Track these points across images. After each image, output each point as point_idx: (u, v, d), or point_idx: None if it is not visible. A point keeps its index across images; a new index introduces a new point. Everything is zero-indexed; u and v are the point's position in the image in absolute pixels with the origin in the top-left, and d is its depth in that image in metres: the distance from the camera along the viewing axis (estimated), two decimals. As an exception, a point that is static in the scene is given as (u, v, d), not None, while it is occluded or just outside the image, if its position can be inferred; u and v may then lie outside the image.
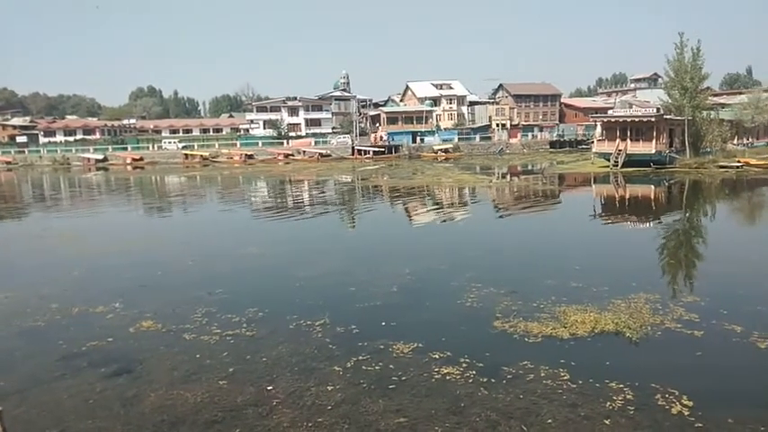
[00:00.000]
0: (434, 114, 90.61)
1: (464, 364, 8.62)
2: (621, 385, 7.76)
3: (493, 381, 8.07)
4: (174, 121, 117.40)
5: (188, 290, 13.46)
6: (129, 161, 77.67)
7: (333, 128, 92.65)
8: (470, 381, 8.11)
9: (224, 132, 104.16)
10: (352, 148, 77.99)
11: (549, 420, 6.94)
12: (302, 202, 34.79)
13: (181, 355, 9.50)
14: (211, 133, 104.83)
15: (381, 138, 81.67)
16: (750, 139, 59.09)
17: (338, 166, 65.96)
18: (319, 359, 9.12)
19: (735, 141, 55.76)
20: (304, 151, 78.37)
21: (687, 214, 25.86)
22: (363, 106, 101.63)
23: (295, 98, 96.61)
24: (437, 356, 8.95)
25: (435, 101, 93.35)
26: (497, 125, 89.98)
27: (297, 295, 12.91)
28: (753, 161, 44.89)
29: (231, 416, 7.40)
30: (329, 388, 8.06)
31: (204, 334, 10.38)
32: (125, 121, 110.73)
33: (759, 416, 6.92)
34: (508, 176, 49.26)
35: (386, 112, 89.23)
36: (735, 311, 10.72)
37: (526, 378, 8.13)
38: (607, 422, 6.86)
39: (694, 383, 7.88)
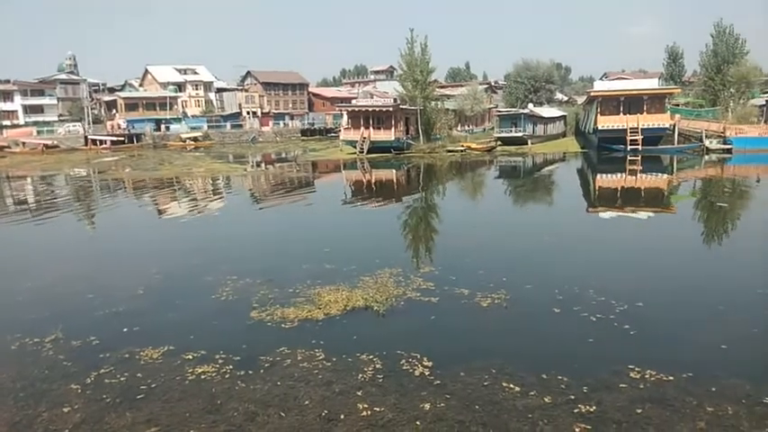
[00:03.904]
0: (180, 101, 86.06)
1: (220, 361, 8.33)
2: (371, 356, 8.26)
3: (250, 372, 7.95)
4: None
5: None
6: None
7: (59, 115, 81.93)
8: (227, 376, 7.88)
9: None
10: (86, 137, 70.00)
11: (307, 402, 7.09)
12: (25, 202, 30.04)
13: None
14: None
15: (120, 126, 74.86)
16: (470, 126, 68.03)
17: (69, 158, 58.57)
18: (51, 380, 7.98)
19: (459, 128, 63.72)
20: (23, 143, 67.83)
21: (423, 194, 28.73)
22: (96, 91, 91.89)
23: (8, 81, 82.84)
24: (190, 357, 8.50)
25: (180, 86, 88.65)
26: (248, 113, 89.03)
27: (20, 310, 11.10)
28: (473, 145, 51.86)
29: (-69, 467, 6.06)
30: (65, 410, 7.10)
31: None
32: None
33: (484, 365, 7.94)
34: (262, 165, 49.19)
35: (123, 98, 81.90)
36: (462, 277, 12.17)
37: (283, 364, 8.18)
38: (359, 393, 7.25)
39: (433, 345, 8.76)
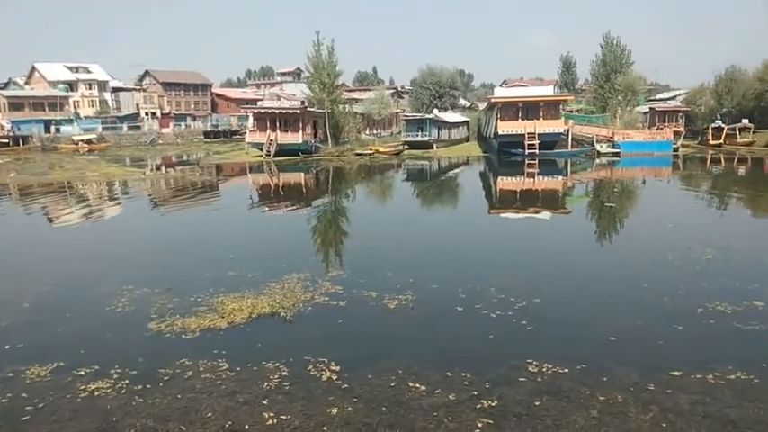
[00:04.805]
0: (71, 100, 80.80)
1: (115, 376, 7.86)
2: (278, 364, 8.11)
3: (149, 386, 7.56)
4: None
5: None
6: None
7: (-71, 115, 74.41)
8: (123, 392, 7.44)
9: None
10: (-38, 139, 64.06)
11: (209, 414, 6.83)
12: None
13: None
14: None
15: (3, 127, 69.11)
16: (378, 130, 68.72)
17: (-58, 162, 53.35)
18: None
19: (367, 132, 64.18)
20: None
21: (333, 198, 28.67)
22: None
23: None
24: (82, 373, 7.96)
25: (71, 85, 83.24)
26: (147, 114, 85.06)
27: None
28: (381, 149, 52.39)
29: None
30: (-66, 440, 6.44)
31: None
32: None
33: (391, 366, 8.01)
34: (162, 168, 47.21)
35: (7, 97, 75.72)
36: (371, 279, 12.25)
37: (184, 376, 7.85)
38: (265, 402, 7.09)
39: (341, 349, 8.72)
